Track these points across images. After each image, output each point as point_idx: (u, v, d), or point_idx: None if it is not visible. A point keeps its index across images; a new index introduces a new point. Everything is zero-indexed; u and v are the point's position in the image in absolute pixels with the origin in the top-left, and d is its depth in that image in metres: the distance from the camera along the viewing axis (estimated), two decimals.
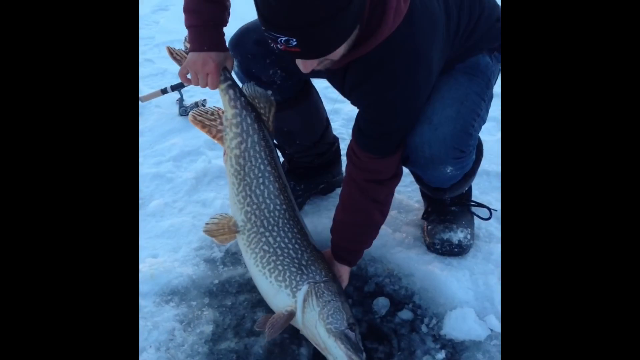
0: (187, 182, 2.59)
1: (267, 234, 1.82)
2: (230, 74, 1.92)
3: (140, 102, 3.04)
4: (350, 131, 2.87)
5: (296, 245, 1.82)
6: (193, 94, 3.27)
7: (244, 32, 2.00)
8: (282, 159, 2.44)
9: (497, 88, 3.30)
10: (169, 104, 3.18)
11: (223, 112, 1.91)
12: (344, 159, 2.56)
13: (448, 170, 1.86)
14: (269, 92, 1.95)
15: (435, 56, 1.66)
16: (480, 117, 1.86)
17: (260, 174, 1.85)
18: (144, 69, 3.67)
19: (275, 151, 1.91)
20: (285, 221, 1.85)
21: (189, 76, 1.89)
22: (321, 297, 1.72)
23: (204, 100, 3.14)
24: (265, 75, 2.02)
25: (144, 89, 3.28)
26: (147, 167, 2.70)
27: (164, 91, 3.02)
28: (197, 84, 1.89)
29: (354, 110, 3.01)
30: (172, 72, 3.59)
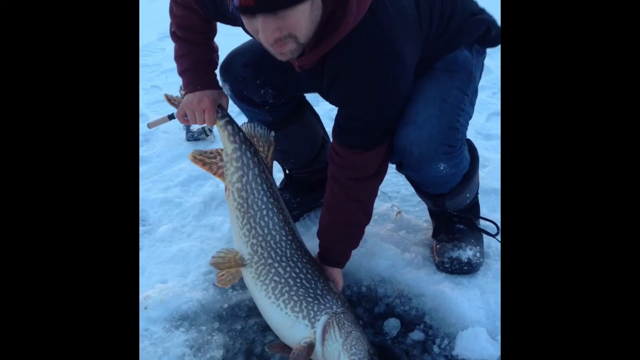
0: (195, 206, 2.60)
1: (276, 264, 1.80)
2: (226, 111, 1.97)
3: (147, 129, 3.07)
4: None
5: (308, 275, 1.80)
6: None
7: (232, 57, 2.06)
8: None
9: (499, 106, 3.32)
10: (176, 129, 3.21)
11: (222, 150, 1.94)
12: None
13: (441, 168, 1.86)
14: (272, 132, 1.98)
15: (406, 47, 1.66)
16: (464, 112, 1.87)
17: (263, 206, 1.85)
18: (151, 96, 3.70)
19: (275, 185, 1.92)
20: (293, 251, 1.83)
21: (186, 117, 1.96)
22: (343, 328, 1.70)
23: None
24: (257, 96, 2.06)
25: (151, 116, 3.32)
26: (155, 192, 2.71)
27: (170, 117, 3.04)
28: (194, 122, 1.95)
29: None
30: None
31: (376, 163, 1.83)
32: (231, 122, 1.93)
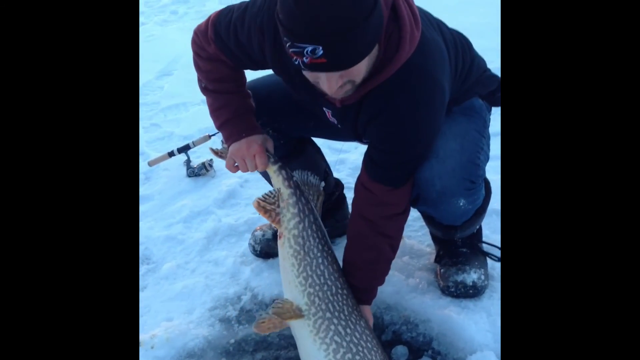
0: (198, 242, 2.60)
1: (336, 321, 1.75)
2: (276, 155, 1.95)
3: (148, 167, 3.09)
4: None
5: (369, 344, 1.75)
6: (200, 154, 3.31)
7: None
8: None
9: (497, 127, 3.33)
10: (177, 166, 3.22)
11: (280, 194, 1.91)
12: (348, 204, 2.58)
13: (461, 204, 1.87)
14: (322, 183, 1.99)
15: (447, 84, 1.69)
16: (483, 151, 1.90)
17: (319, 254, 1.82)
18: (151, 134, 3.73)
19: (327, 234, 1.90)
20: (351, 309, 1.79)
21: (236, 165, 1.94)
22: None
23: (211, 160, 3.18)
24: None
25: (152, 154, 3.33)
26: (158, 230, 2.71)
27: (170, 154, 3.06)
28: (245, 169, 1.92)
29: (360, 159, 3.03)
30: (178, 135, 3.65)
31: (405, 199, 1.84)
32: (284, 166, 1.92)
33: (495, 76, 2.00)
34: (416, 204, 1.91)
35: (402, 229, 1.92)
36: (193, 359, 2.01)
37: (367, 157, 1.82)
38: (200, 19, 6.42)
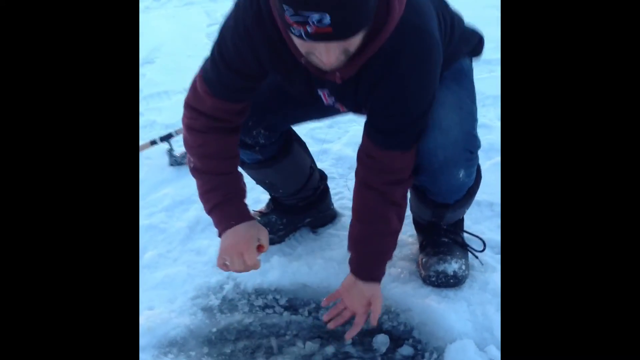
0: (181, 231, 2.59)
1: None
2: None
3: None
4: (340, 170, 2.90)
5: None
6: (182, 143, 3.28)
7: None
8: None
9: (487, 120, 3.35)
10: (159, 155, 3.20)
11: None
12: (334, 197, 2.58)
13: (460, 175, 1.88)
14: None
15: (440, 38, 1.67)
16: (476, 120, 1.93)
17: None
18: None
19: None
20: None
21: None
22: None
23: None
24: (249, 137, 2.05)
25: None
26: (140, 218, 2.69)
27: (153, 142, 3.05)
28: (235, 269, 1.85)
29: (343, 149, 3.05)
30: (160, 123, 3.62)
31: (411, 164, 1.82)
32: None
33: (474, 30, 1.98)
34: (417, 174, 1.89)
35: (406, 197, 1.91)
36: (175, 347, 2.01)
37: (370, 128, 1.78)
38: (184, 6, 6.37)
